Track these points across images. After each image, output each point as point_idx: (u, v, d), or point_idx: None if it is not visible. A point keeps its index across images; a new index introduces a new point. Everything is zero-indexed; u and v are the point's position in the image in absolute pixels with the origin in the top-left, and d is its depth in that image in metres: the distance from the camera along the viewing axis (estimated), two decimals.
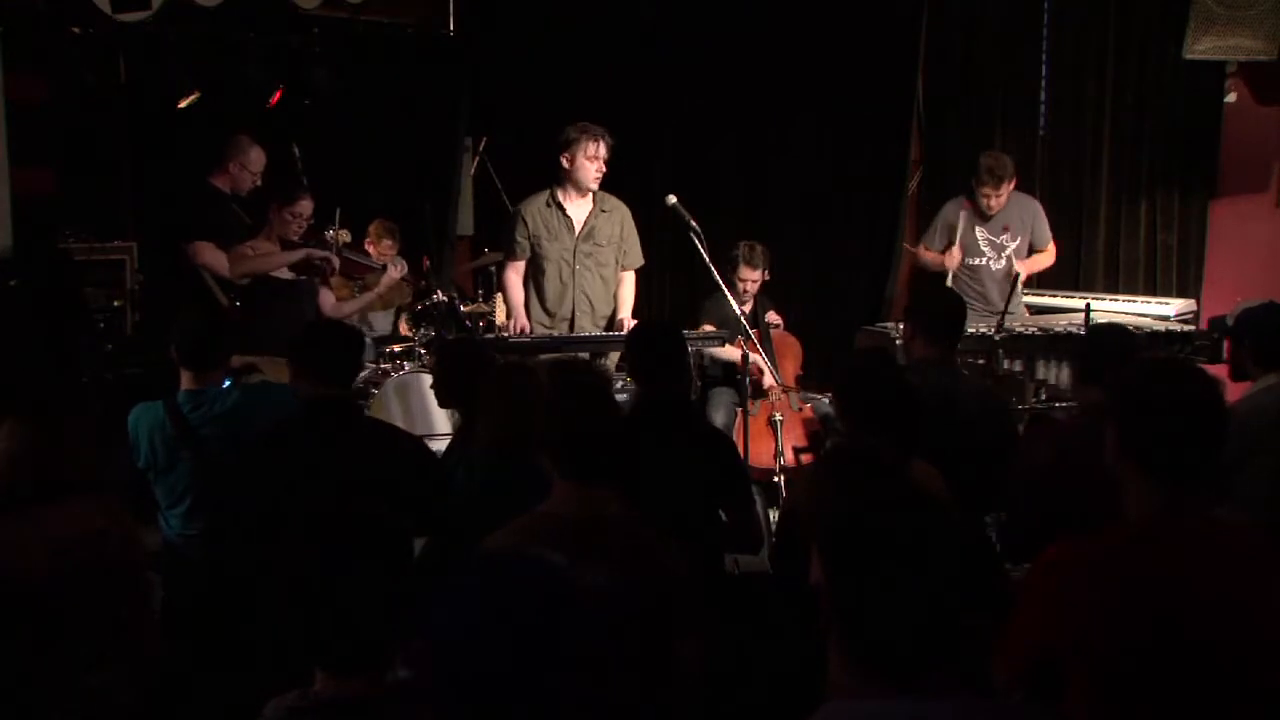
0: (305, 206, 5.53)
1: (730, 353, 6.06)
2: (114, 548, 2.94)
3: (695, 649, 2.73)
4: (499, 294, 6.45)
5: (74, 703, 2.85)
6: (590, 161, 5.70)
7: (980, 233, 6.37)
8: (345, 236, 6.50)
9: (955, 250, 6.29)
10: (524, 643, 1.66)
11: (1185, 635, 2.13)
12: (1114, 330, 4.63)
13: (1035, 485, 3.56)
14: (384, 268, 5.99)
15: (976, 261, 6.42)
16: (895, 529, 1.74)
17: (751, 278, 6.13)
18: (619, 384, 5.66)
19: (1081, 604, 2.17)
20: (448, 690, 1.68)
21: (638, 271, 6.09)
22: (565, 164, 5.74)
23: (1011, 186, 6.33)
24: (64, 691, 2.84)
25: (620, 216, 5.93)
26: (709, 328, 6.13)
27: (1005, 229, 6.36)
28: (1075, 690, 2.13)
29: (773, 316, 6.36)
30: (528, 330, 5.82)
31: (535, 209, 5.85)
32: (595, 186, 5.80)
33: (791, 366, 6.30)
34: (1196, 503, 2.24)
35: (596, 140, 5.68)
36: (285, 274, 5.49)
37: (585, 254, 5.85)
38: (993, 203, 6.30)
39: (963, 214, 6.39)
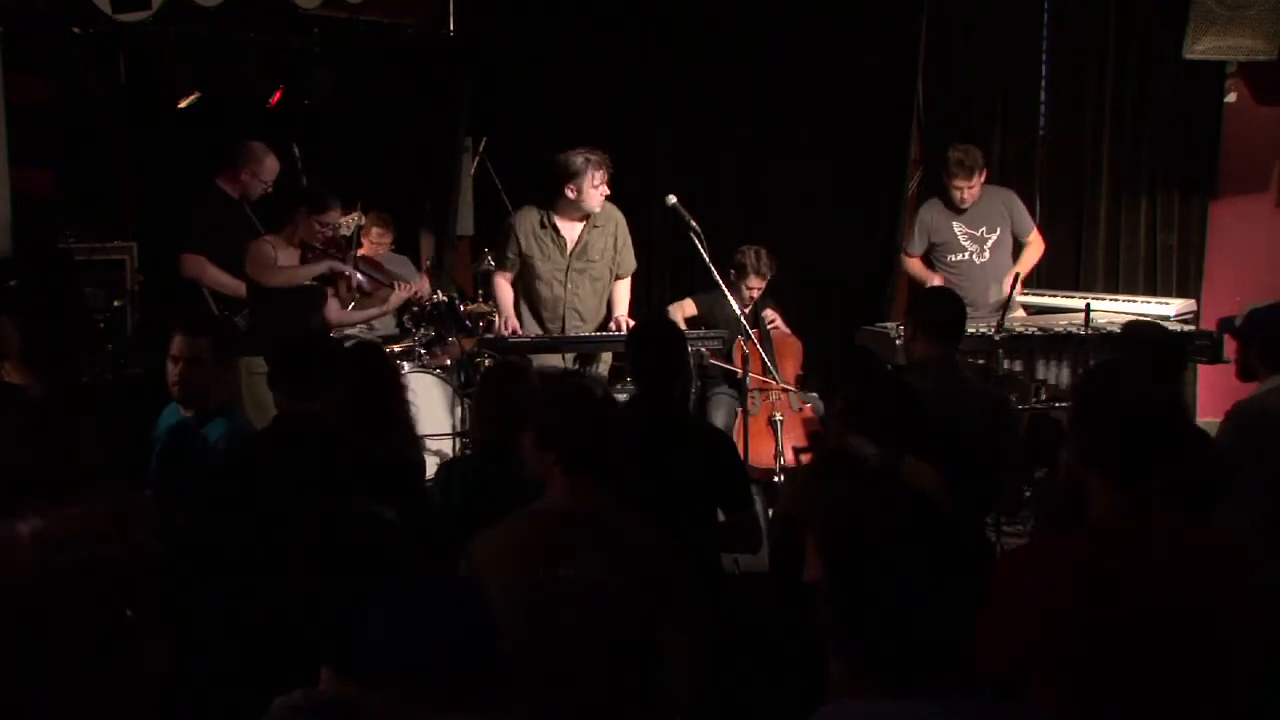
0: (334, 216, 5.55)
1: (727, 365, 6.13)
2: (113, 550, 2.91)
3: (687, 646, 2.73)
4: None
5: (75, 704, 2.84)
6: (595, 190, 5.73)
7: (958, 228, 6.39)
8: (359, 219, 6.47)
9: (935, 276, 6.37)
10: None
11: (1147, 635, 2.14)
12: (1150, 325, 4.63)
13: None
14: (393, 285, 5.95)
15: (958, 258, 6.45)
16: (896, 531, 1.74)
17: (757, 286, 6.17)
18: (616, 386, 5.69)
19: (1044, 605, 2.18)
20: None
21: (635, 273, 6.12)
22: (571, 194, 5.74)
23: (982, 178, 6.35)
24: (61, 693, 2.83)
25: (613, 227, 5.94)
26: (686, 302, 6.29)
27: (982, 224, 6.38)
28: (1039, 691, 2.14)
29: (769, 314, 6.38)
30: (519, 330, 5.83)
31: (529, 228, 5.84)
32: (599, 209, 5.81)
33: (791, 366, 6.30)
34: (1159, 505, 2.26)
35: (600, 168, 5.71)
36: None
37: (578, 270, 5.88)
38: (965, 195, 6.33)
39: (937, 213, 6.42)
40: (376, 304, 5.98)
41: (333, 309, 5.85)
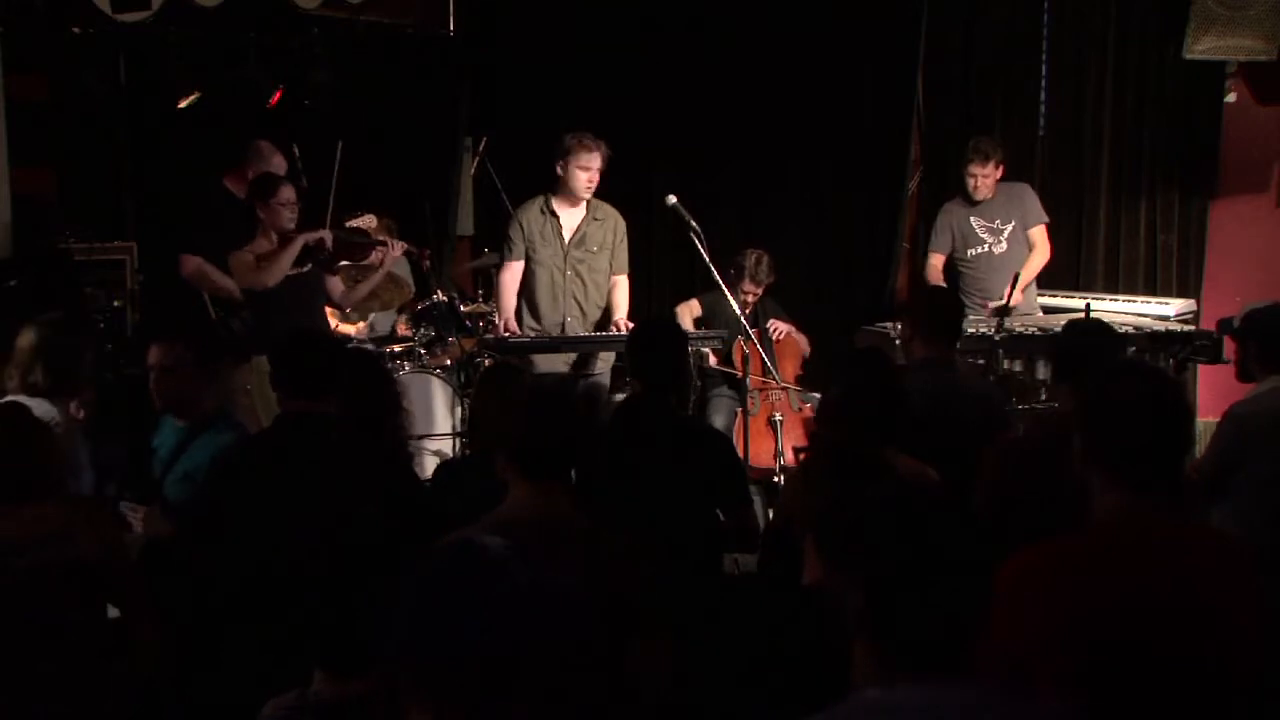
0: (287, 192, 5.46)
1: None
2: (82, 550, 2.86)
3: (657, 655, 2.69)
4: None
5: (51, 704, 2.82)
6: (581, 171, 5.72)
7: (974, 221, 6.49)
8: (371, 221, 6.41)
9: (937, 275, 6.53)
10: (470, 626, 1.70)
11: (1151, 639, 2.14)
12: (1092, 327, 4.59)
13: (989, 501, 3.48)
14: (382, 243, 5.89)
15: (976, 251, 6.51)
16: (928, 522, 1.76)
17: (752, 291, 6.20)
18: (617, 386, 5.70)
19: (1048, 609, 2.17)
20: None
21: (634, 273, 6.13)
22: (559, 171, 5.77)
23: (999, 173, 6.44)
24: (35, 692, 2.80)
25: (613, 224, 5.97)
26: (693, 302, 6.37)
27: (997, 216, 6.47)
28: (1044, 694, 2.14)
29: (778, 325, 6.36)
30: (517, 332, 5.83)
31: (531, 215, 5.89)
32: (586, 196, 5.82)
33: (791, 366, 6.31)
34: (1162, 507, 2.25)
35: (590, 151, 5.70)
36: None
37: (577, 260, 5.88)
38: (978, 183, 6.41)
39: (955, 209, 6.49)
40: (373, 270, 5.93)
41: (336, 288, 5.83)
